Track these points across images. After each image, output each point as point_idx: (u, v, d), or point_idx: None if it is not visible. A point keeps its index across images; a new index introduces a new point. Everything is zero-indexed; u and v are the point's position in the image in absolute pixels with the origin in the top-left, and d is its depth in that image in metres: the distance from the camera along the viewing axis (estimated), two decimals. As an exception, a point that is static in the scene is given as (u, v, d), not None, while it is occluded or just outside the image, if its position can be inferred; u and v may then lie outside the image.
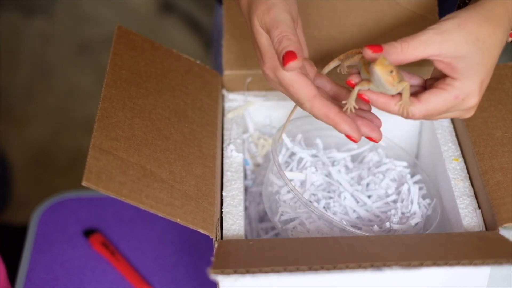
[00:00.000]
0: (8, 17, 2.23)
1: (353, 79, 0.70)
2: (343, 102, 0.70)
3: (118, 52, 0.82)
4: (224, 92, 0.90)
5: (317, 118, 0.70)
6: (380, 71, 0.65)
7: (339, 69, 0.76)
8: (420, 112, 0.68)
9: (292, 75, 0.69)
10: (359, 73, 0.70)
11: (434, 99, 0.67)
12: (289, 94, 0.71)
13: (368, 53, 0.67)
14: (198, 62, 0.89)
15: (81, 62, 2.15)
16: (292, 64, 0.66)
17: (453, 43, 0.66)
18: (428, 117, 0.69)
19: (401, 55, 0.67)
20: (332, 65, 0.76)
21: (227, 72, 0.89)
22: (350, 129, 0.69)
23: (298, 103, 0.70)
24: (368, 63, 0.68)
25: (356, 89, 0.69)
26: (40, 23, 2.23)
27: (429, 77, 0.72)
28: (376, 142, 0.71)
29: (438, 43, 0.66)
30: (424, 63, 0.72)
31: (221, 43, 0.91)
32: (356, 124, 0.69)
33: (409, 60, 0.67)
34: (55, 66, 2.15)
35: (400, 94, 0.68)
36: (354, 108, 0.70)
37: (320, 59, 0.88)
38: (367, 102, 0.69)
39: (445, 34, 0.66)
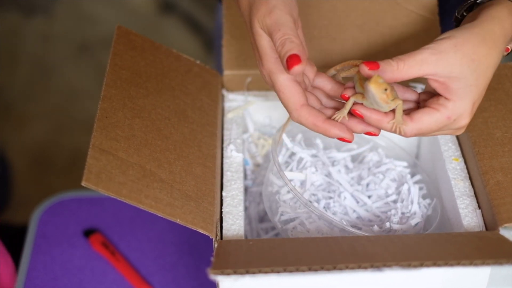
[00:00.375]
0: (8, 17, 2.23)
1: (347, 93, 0.70)
2: (336, 113, 0.71)
3: (118, 52, 0.82)
4: (224, 92, 0.90)
5: (305, 127, 0.70)
6: (374, 89, 0.66)
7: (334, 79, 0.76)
8: (412, 131, 0.69)
9: (285, 81, 0.70)
10: (353, 87, 0.71)
11: (426, 119, 0.68)
12: (280, 99, 0.71)
13: (365, 70, 0.67)
14: (198, 62, 0.89)
15: (81, 62, 2.15)
16: (297, 68, 0.67)
17: (448, 64, 0.67)
18: (419, 135, 0.70)
19: (397, 73, 0.67)
20: (329, 74, 0.76)
21: (227, 72, 0.89)
22: (341, 131, 0.69)
23: (287, 110, 0.71)
24: (363, 78, 0.69)
25: (351, 100, 0.70)
26: (40, 23, 2.23)
27: (422, 91, 0.73)
28: (377, 135, 0.71)
29: (434, 63, 0.67)
30: (419, 79, 0.72)
31: (221, 43, 0.91)
32: (346, 125, 0.70)
33: (404, 78, 0.68)
34: (55, 66, 2.15)
35: (393, 111, 0.69)
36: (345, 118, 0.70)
37: (320, 59, 0.88)
38: (360, 117, 0.70)
39: (441, 54, 0.67)
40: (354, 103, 0.69)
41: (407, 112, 0.69)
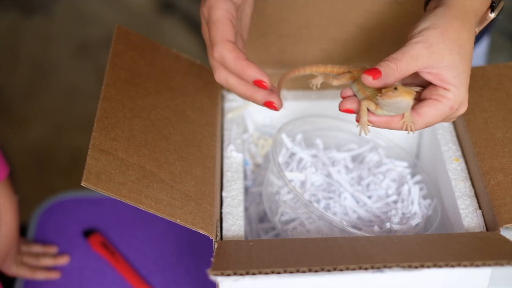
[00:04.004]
0: (8, 17, 2.23)
1: (348, 105, 0.70)
2: (356, 125, 0.69)
3: (118, 52, 0.82)
4: (224, 92, 0.90)
5: (226, 62, 0.70)
6: (410, 100, 0.65)
7: (313, 84, 0.74)
8: (421, 126, 0.69)
9: (222, 16, 0.69)
10: (354, 95, 0.70)
11: (432, 112, 0.68)
12: (209, 33, 0.71)
13: (369, 80, 0.67)
14: (198, 62, 0.89)
15: (81, 62, 2.15)
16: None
17: (440, 55, 0.68)
18: (426, 127, 0.70)
19: (397, 74, 0.67)
20: (297, 74, 0.74)
21: (227, 72, 0.89)
22: (259, 73, 0.69)
23: (212, 44, 0.70)
24: (365, 86, 0.68)
25: (364, 108, 0.68)
26: (40, 23, 2.23)
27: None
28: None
29: (427, 56, 0.68)
30: None
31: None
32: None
33: (403, 77, 0.68)
34: (55, 66, 2.14)
35: None
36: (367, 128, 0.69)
37: (320, 59, 0.88)
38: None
39: (432, 47, 0.68)
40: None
41: (411, 109, 0.69)
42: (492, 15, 0.74)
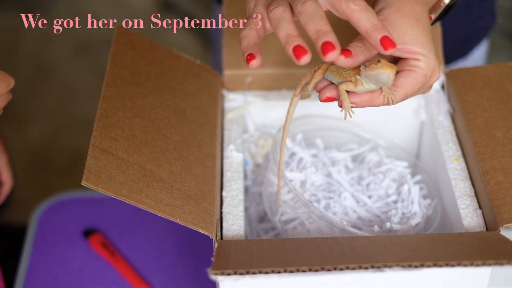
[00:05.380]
0: (8, 17, 2.23)
1: (327, 93, 0.71)
2: (340, 111, 0.70)
3: (118, 52, 0.82)
4: (224, 92, 0.90)
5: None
6: (391, 73, 0.67)
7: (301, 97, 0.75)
8: (400, 97, 0.71)
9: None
10: (332, 83, 0.71)
11: (409, 82, 0.70)
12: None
13: (341, 59, 0.68)
14: (198, 62, 0.89)
15: (81, 62, 2.15)
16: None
17: (401, 30, 0.70)
18: (405, 99, 0.71)
19: (366, 52, 0.69)
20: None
21: (227, 72, 0.89)
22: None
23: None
24: (341, 68, 0.70)
25: (344, 91, 0.70)
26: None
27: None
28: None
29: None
30: None
31: (221, 43, 0.90)
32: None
33: (371, 55, 0.70)
34: (55, 66, 2.14)
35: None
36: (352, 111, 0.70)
37: (320, 59, 0.88)
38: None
39: (392, 24, 0.70)
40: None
41: None
42: (446, 1, 0.76)
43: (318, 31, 0.65)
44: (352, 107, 0.70)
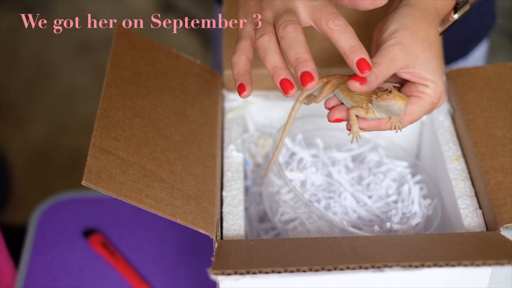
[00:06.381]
0: (8, 17, 2.23)
1: (337, 114, 0.72)
2: (348, 134, 0.72)
3: (118, 52, 0.82)
4: (224, 92, 0.90)
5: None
6: (403, 105, 0.68)
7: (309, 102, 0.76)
8: (407, 124, 0.72)
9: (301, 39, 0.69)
10: (341, 103, 0.72)
11: (416, 109, 0.71)
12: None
13: (356, 86, 0.68)
14: (198, 62, 0.89)
15: (81, 62, 2.15)
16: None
17: (414, 54, 0.70)
18: (411, 123, 0.73)
19: (380, 78, 0.69)
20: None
21: (227, 72, 0.89)
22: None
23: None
24: (350, 92, 0.70)
25: (354, 116, 0.71)
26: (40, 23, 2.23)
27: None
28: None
29: (403, 57, 0.70)
30: None
31: (220, 43, 0.90)
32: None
33: (384, 80, 0.70)
34: (55, 66, 2.14)
35: None
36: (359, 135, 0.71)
37: (320, 59, 0.88)
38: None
39: (406, 47, 0.70)
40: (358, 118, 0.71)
41: None
42: (455, 16, 0.77)
43: (298, 59, 0.67)
44: (360, 131, 0.71)
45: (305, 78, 0.67)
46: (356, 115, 0.71)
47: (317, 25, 0.70)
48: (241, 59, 0.71)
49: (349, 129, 0.72)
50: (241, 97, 0.70)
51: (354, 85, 0.68)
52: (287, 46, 0.68)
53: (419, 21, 0.72)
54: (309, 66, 0.67)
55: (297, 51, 0.67)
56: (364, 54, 0.67)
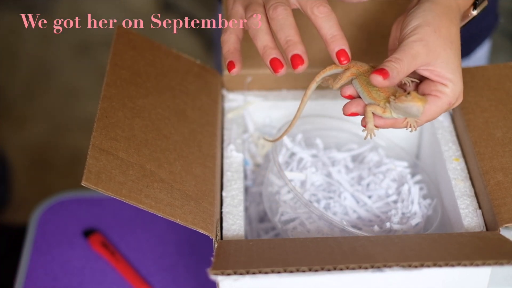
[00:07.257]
0: (8, 17, 2.23)
1: (353, 108, 0.71)
2: (363, 130, 0.71)
3: (118, 52, 0.82)
4: (224, 92, 0.90)
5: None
6: (422, 106, 0.67)
7: (327, 84, 0.75)
8: (422, 123, 0.71)
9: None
10: (358, 96, 0.71)
11: (433, 109, 0.70)
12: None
13: (379, 80, 0.67)
14: (198, 62, 0.89)
15: (81, 62, 2.15)
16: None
17: (436, 52, 0.69)
18: (427, 122, 0.72)
19: (402, 74, 0.69)
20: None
21: (227, 72, 0.89)
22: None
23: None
24: (371, 86, 0.69)
25: (370, 114, 0.70)
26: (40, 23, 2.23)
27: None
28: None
29: (425, 54, 0.69)
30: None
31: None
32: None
33: (405, 76, 0.70)
34: (55, 66, 2.14)
35: None
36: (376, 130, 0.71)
37: (320, 59, 0.88)
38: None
39: (429, 44, 0.69)
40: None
41: None
42: (474, 13, 0.76)
43: (288, 41, 0.68)
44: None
45: (295, 60, 0.68)
46: (373, 113, 0.70)
47: (303, 9, 0.70)
48: (231, 37, 0.72)
49: (364, 126, 0.70)
50: (230, 73, 0.71)
51: (377, 79, 0.67)
52: (277, 28, 0.69)
53: (442, 18, 0.71)
54: (299, 49, 0.67)
55: (287, 34, 0.68)
56: (344, 45, 0.68)
